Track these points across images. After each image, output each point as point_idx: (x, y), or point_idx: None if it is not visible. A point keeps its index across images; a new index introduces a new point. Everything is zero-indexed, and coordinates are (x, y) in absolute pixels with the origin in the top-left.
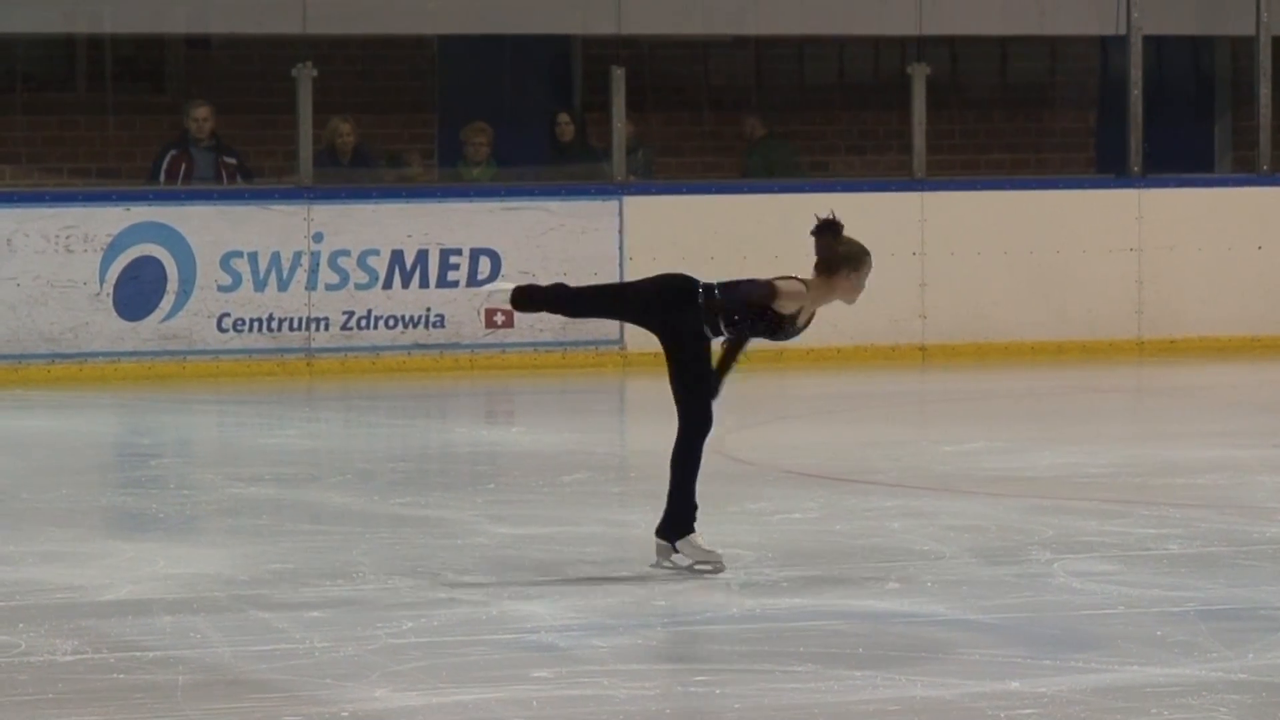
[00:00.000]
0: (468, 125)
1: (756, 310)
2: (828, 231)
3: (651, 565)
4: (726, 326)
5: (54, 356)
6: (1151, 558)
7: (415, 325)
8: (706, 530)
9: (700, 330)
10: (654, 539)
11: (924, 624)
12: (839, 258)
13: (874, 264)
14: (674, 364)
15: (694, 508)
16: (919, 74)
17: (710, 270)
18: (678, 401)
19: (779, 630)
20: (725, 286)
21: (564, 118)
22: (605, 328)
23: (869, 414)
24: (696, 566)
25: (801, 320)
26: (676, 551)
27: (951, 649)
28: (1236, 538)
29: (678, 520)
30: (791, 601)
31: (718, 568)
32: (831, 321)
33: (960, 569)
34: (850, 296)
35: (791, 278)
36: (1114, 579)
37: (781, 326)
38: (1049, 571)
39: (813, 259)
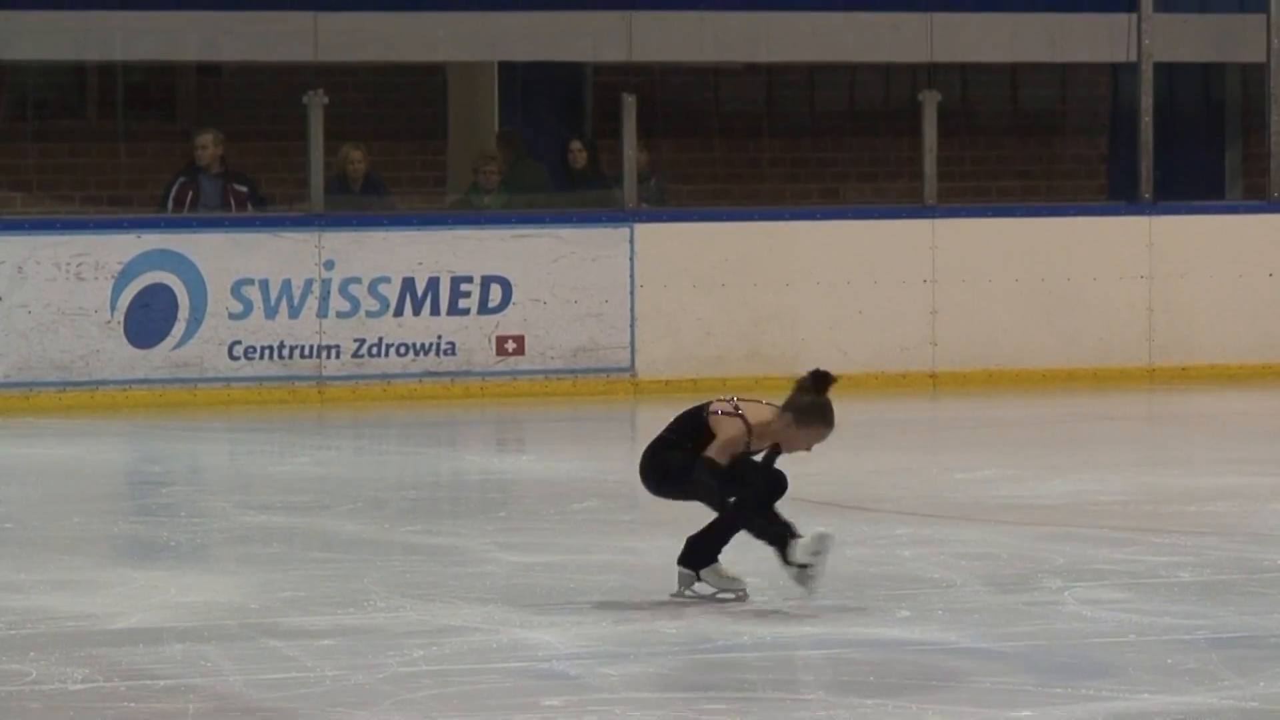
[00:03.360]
0: (479, 153)
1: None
2: (821, 382)
3: (672, 595)
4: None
5: (65, 384)
6: (1163, 585)
7: (426, 353)
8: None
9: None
10: (676, 567)
11: (935, 652)
12: (807, 410)
13: (881, 286)
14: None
15: (723, 544)
16: (930, 100)
17: (721, 295)
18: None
19: (790, 658)
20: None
21: (576, 145)
22: (616, 355)
23: (880, 441)
24: (719, 595)
25: (754, 452)
26: (699, 580)
27: (963, 677)
28: (1248, 565)
29: (705, 550)
30: (802, 629)
31: (740, 596)
32: (843, 349)
33: (971, 597)
34: (794, 449)
35: (728, 415)
36: (1125, 607)
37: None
38: (1060, 599)
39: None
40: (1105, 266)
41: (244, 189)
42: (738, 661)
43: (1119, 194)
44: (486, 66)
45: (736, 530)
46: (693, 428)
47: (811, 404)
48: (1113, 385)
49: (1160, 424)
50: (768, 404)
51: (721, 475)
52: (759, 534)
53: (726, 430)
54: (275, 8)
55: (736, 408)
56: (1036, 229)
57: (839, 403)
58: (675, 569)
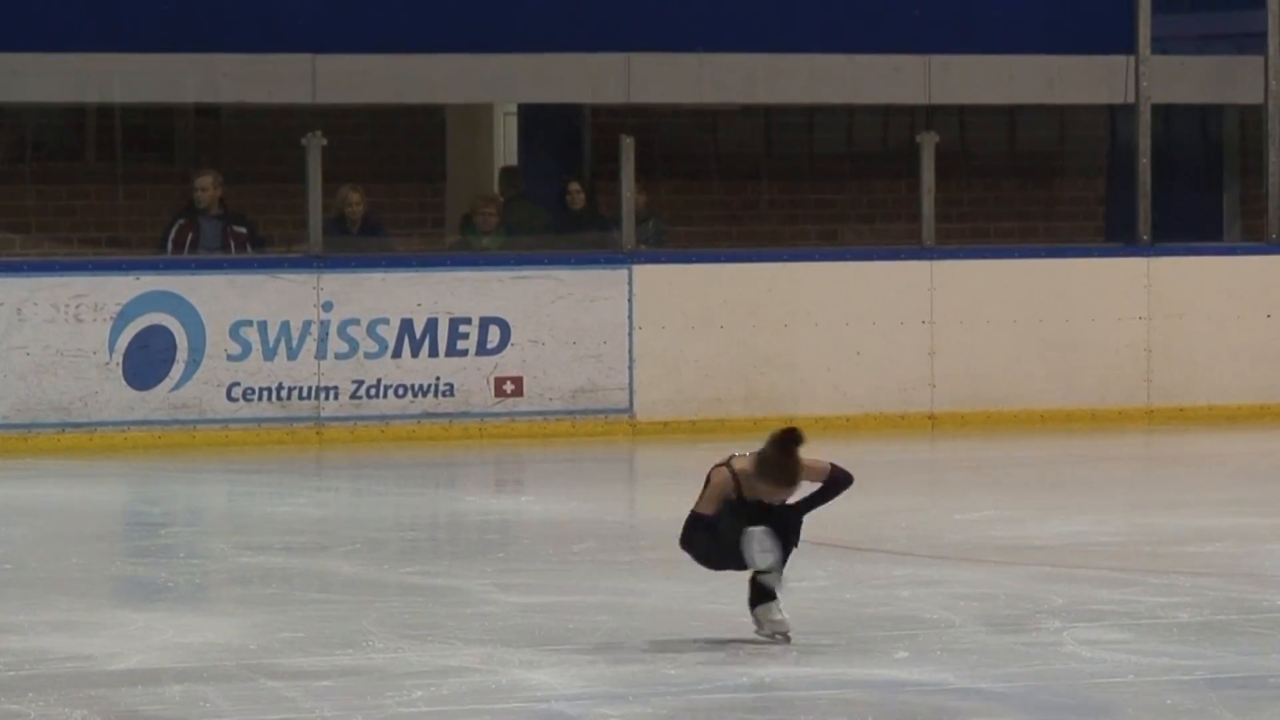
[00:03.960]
0: (477, 195)
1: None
2: (792, 441)
3: (756, 632)
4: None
5: (64, 425)
6: (1161, 626)
7: (425, 394)
8: (717, 598)
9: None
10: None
11: (934, 692)
12: (769, 465)
13: (880, 327)
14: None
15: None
16: (928, 142)
17: (719, 337)
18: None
19: (789, 699)
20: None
21: (574, 186)
22: (614, 396)
23: (879, 482)
24: (773, 634)
25: (748, 497)
26: (755, 618)
27: (961, 717)
28: (1246, 606)
29: (762, 590)
30: (801, 670)
31: (776, 637)
32: (842, 390)
33: (970, 637)
34: (762, 498)
35: (715, 468)
36: (1124, 647)
37: (746, 505)
38: (1059, 640)
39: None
40: (1103, 308)
41: (243, 230)
42: (738, 703)
43: (1117, 235)
44: (485, 108)
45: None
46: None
47: (767, 459)
48: (1111, 426)
49: (1158, 465)
50: (754, 453)
51: (696, 528)
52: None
53: (710, 479)
54: (273, 50)
55: (729, 459)
56: (1035, 270)
57: (839, 444)
58: (674, 610)
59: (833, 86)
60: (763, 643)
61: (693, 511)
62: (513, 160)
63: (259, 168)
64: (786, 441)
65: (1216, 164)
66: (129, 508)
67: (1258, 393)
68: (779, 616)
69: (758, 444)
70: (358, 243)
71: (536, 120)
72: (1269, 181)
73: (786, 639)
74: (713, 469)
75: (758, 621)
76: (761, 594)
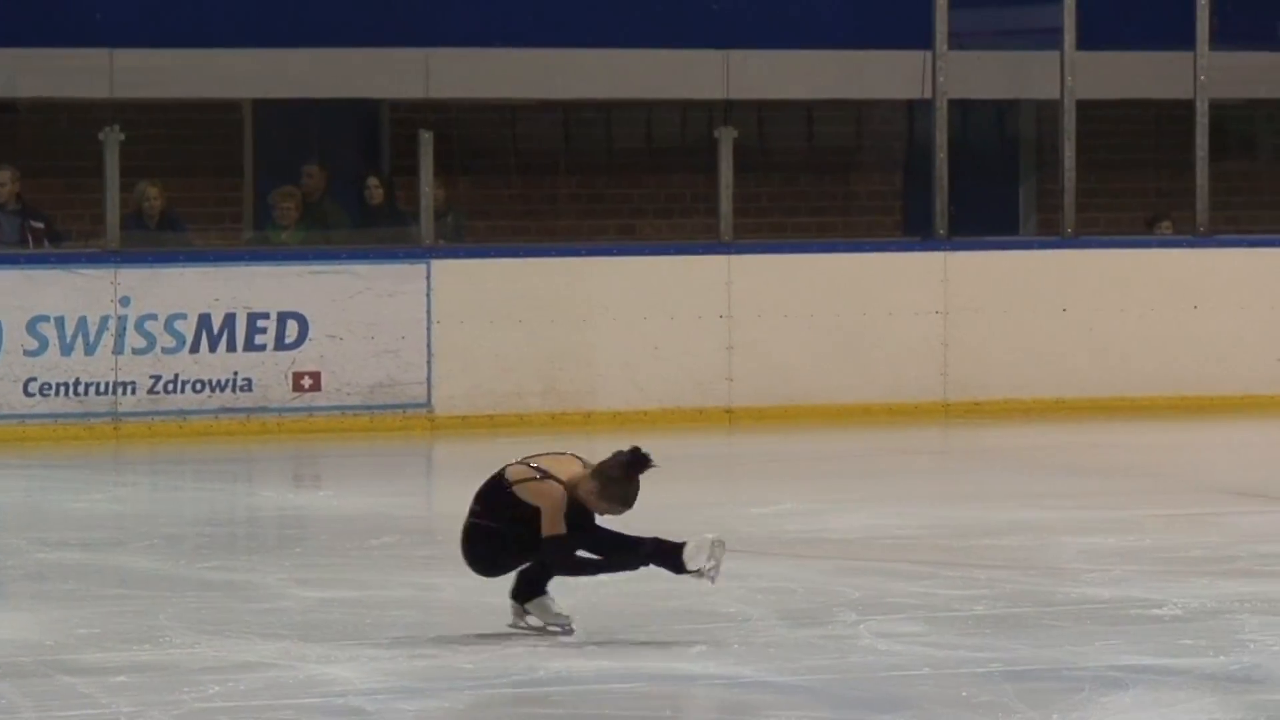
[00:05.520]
0: (276, 189)
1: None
2: (640, 465)
3: (508, 625)
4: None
5: None
6: (957, 619)
7: (222, 389)
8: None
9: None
10: (508, 601)
11: (731, 686)
12: (613, 488)
13: (678, 322)
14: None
15: (550, 575)
16: (726, 137)
17: (517, 332)
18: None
19: (586, 693)
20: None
21: (373, 181)
22: (413, 391)
23: (676, 476)
24: (549, 628)
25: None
26: (528, 613)
27: (759, 711)
28: (1041, 598)
29: (532, 582)
30: (599, 664)
31: (566, 629)
32: (639, 385)
33: (767, 631)
34: (591, 506)
35: (538, 480)
36: (920, 640)
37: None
38: (855, 633)
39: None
40: (900, 302)
41: (40, 225)
42: (535, 696)
43: (914, 230)
44: (283, 103)
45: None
46: (502, 504)
47: (618, 482)
48: (908, 420)
49: (954, 458)
50: (572, 456)
51: (572, 548)
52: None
53: (547, 498)
54: (71, 44)
55: (540, 470)
56: (832, 265)
57: (637, 439)
58: (470, 605)
59: (631, 81)
60: (522, 633)
61: (555, 537)
62: (313, 155)
63: (57, 162)
64: (643, 467)
65: (1013, 159)
66: None
67: (1053, 386)
68: (559, 609)
69: (555, 441)
70: (155, 238)
71: (336, 115)
72: (1064, 176)
73: (569, 630)
74: (532, 484)
75: (530, 614)
76: (532, 587)
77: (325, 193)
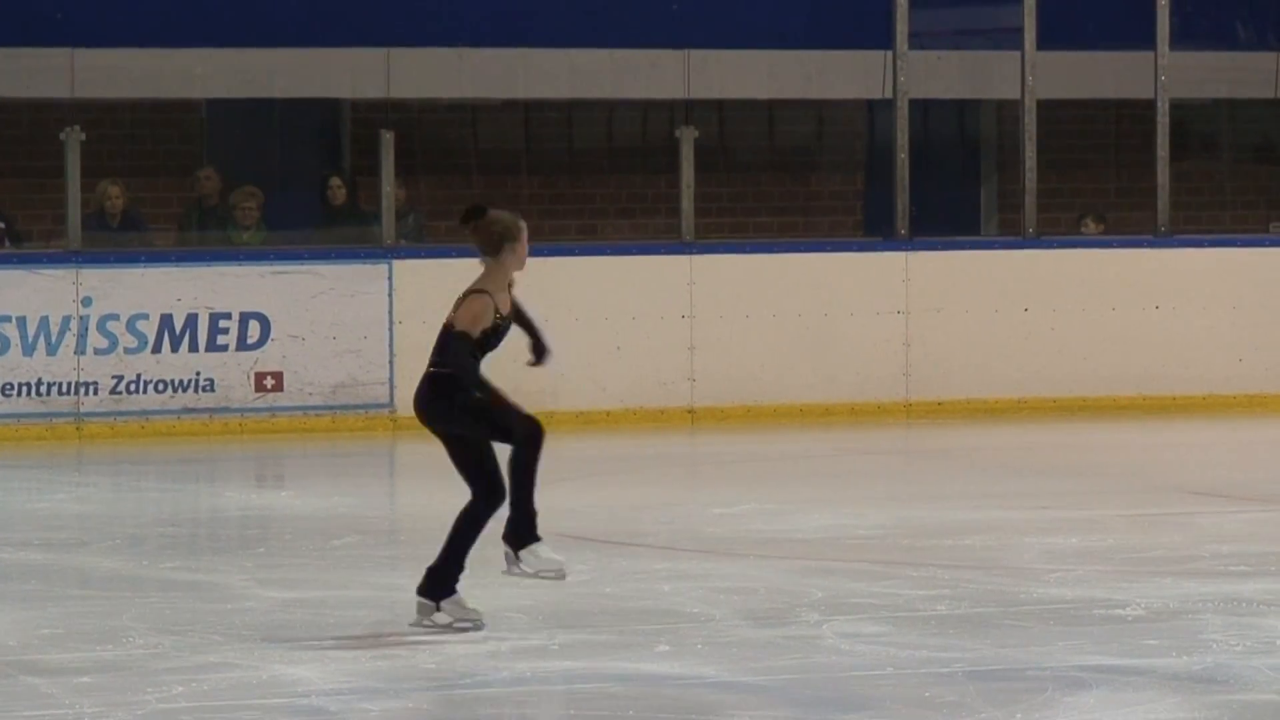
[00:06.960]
0: (237, 189)
1: (475, 343)
2: (474, 217)
3: (410, 624)
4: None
5: None
6: (920, 619)
7: (185, 389)
8: (478, 593)
9: (465, 406)
10: (415, 598)
11: (694, 686)
12: (496, 237)
13: (640, 322)
14: (453, 446)
15: (460, 570)
16: (687, 137)
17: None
18: (467, 479)
19: (550, 693)
20: (441, 355)
21: (335, 181)
22: (375, 391)
23: (638, 476)
24: (457, 625)
25: (505, 313)
26: (439, 610)
27: (722, 710)
28: (1004, 599)
29: (444, 580)
30: (562, 664)
31: (477, 625)
32: (601, 384)
33: (730, 631)
34: (518, 266)
35: (465, 297)
36: (883, 640)
37: (498, 333)
38: (818, 633)
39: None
40: (862, 302)
41: (1, 225)
42: (499, 696)
43: (875, 230)
44: (244, 103)
45: (470, 542)
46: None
47: (502, 230)
48: (870, 420)
49: (917, 459)
50: (478, 280)
51: (483, 409)
52: (454, 552)
53: (471, 306)
54: (32, 44)
55: (465, 294)
56: (793, 265)
57: (599, 439)
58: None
59: (592, 81)
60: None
61: (460, 332)
62: (274, 155)
63: (18, 162)
64: (476, 213)
65: (974, 159)
66: None
67: (1015, 387)
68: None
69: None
70: (117, 238)
71: (297, 115)
72: (1025, 176)
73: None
74: (461, 302)
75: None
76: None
77: (222, 196)
